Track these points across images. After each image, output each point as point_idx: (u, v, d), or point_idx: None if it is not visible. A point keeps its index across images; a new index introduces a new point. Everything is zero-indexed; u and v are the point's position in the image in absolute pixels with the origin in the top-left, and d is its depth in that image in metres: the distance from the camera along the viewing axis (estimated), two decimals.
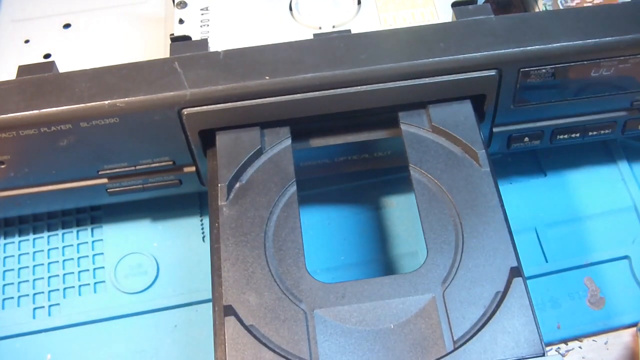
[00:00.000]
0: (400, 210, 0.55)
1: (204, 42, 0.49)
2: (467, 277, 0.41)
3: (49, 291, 0.53)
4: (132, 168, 0.49)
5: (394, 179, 0.57)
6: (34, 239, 0.56)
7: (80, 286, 0.53)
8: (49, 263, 0.54)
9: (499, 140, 0.51)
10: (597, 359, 0.49)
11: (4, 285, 0.53)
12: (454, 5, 0.50)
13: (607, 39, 0.46)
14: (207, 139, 0.47)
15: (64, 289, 0.53)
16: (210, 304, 0.42)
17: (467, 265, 0.41)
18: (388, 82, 0.45)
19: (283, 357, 0.39)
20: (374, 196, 0.56)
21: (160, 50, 0.56)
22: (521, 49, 0.45)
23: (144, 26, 0.58)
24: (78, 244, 0.55)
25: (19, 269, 0.54)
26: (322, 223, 0.55)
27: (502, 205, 0.44)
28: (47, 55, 0.56)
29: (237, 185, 0.45)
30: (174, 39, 0.51)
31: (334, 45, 0.46)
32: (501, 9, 0.60)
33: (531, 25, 0.46)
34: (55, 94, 0.45)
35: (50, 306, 0.52)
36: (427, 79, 0.45)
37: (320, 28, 0.53)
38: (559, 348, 0.50)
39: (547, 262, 0.52)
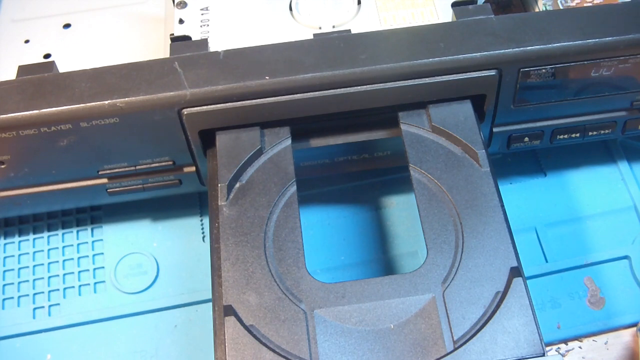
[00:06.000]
0: (400, 210, 0.55)
1: (204, 42, 0.49)
2: (467, 277, 0.41)
3: (49, 291, 0.53)
4: (132, 168, 0.49)
5: (394, 179, 0.57)
6: (34, 239, 0.56)
7: (80, 286, 0.53)
8: (49, 263, 0.54)
9: (499, 140, 0.51)
10: (597, 359, 0.49)
11: (4, 285, 0.53)
12: (454, 5, 0.50)
13: (607, 39, 0.46)
14: (207, 139, 0.47)
15: (64, 289, 0.53)
16: (210, 304, 0.42)
17: (467, 265, 0.41)
18: (388, 82, 0.45)
19: (283, 357, 0.39)
20: (374, 196, 0.56)
21: (160, 50, 0.56)
22: (521, 49, 0.45)
23: (144, 26, 0.58)
24: (78, 244, 0.55)
25: (19, 269, 0.54)
26: (322, 223, 0.55)
27: (502, 205, 0.44)
28: (47, 55, 0.56)
29: (237, 185, 0.45)
30: (174, 39, 0.51)
31: (334, 45, 0.46)
32: (501, 9, 0.60)
33: (531, 25, 0.46)
34: (55, 94, 0.45)
35: (50, 306, 0.52)
36: (427, 79, 0.46)
37: (320, 28, 0.53)
38: (559, 348, 0.50)
39: (547, 262, 0.52)
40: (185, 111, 0.45)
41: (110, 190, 0.50)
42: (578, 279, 0.52)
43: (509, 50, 0.45)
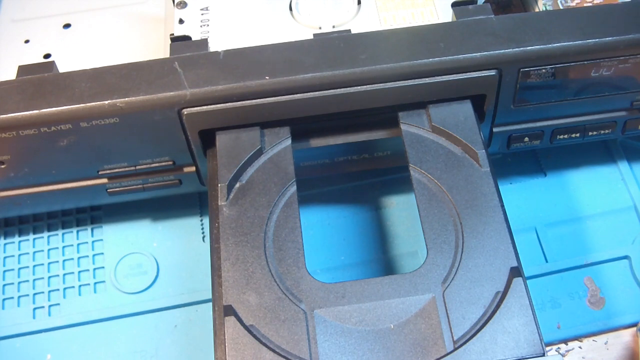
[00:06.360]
0: (400, 210, 0.55)
1: (204, 42, 0.49)
2: (467, 277, 0.41)
3: (49, 291, 0.53)
4: (132, 168, 0.49)
5: (394, 179, 0.57)
6: (34, 239, 0.56)
7: (80, 286, 0.53)
8: (49, 263, 0.54)
9: (499, 140, 0.51)
10: (597, 359, 0.49)
11: (4, 285, 0.53)
12: (454, 5, 0.50)
13: (607, 39, 0.46)
14: (207, 139, 0.47)
15: (64, 289, 0.53)
16: (210, 304, 0.42)
17: (467, 265, 0.41)
18: (388, 82, 0.45)
19: (283, 357, 0.39)
20: (374, 196, 0.56)
21: (160, 50, 0.56)
22: (521, 49, 0.45)
23: (144, 26, 0.58)
24: (78, 244, 0.55)
25: (19, 269, 0.54)
26: (322, 223, 0.55)
27: (502, 205, 0.44)
28: (47, 55, 0.56)
29: (237, 185, 0.45)
30: (174, 39, 0.51)
31: (334, 45, 0.46)
32: (501, 9, 0.60)
33: (531, 25, 0.46)
34: (55, 94, 0.45)
35: (50, 306, 0.52)
36: (427, 79, 0.46)
37: (320, 28, 0.53)
38: (559, 348, 0.50)
39: (547, 262, 0.52)
40: (185, 111, 0.45)
41: (110, 190, 0.50)
42: (578, 279, 0.52)
43: (509, 50, 0.45)
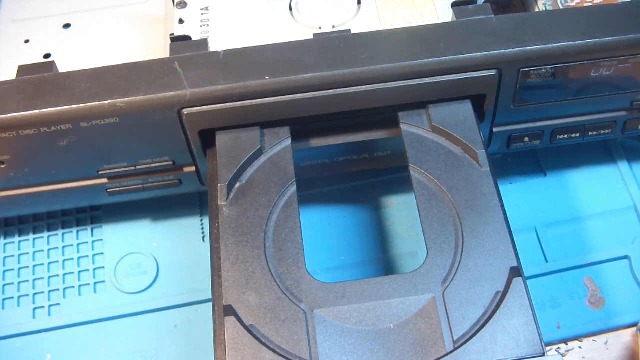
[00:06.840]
0: (400, 210, 0.55)
1: (204, 42, 0.49)
2: (467, 277, 0.41)
3: (49, 291, 0.53)
4: (132, 168, 0.49)
5: (394, 179, 0.57)
6: (34, 239, 0.56)
7: (80, 286, 0.53)
8: (49, 263, 0.54)
9: (499, 140, 0.51)
10: (597, 359, 0.49)
11: (4, 285, 0.53)
12: (454, 5, 0.50)
13: (607, 39, 0.46)
14: (207, 139, 0.47)
15: (64, 289, 0.53)
16: (210, 304, 0.42)
17: (467, 265, 0.41)
18: (388, 82, 0.45)
19: (283, 357, 0.39)
20: (374, 196, 0.56)
21: (160, 50, 0.56)
22: (521, 49, 0.45)
23: (144, 26, 0.58)
24: (78, 244, 0.55)
25: (19, 269, 0.54)
26: (322, 223, 0.55)
27: (502, 205, 0.44)
28: (47, 55, 0.56)
29: (237, 185, 0.45)
30: (174, 39, 0.51)
31: (334, 45, 0.46)
32: (501, 9, 0.60)
33: (531, 25, 0.46)
34: (55, 94, 0.45)
35: (50, 306, 0.52)
36: (427, 79, 0.46)
37: (320, 28, 0.53)
38: (559, 348, 0.50)
39: (547, 262, 0.52)
40: (185, 111, 0.45)
41: (110, 190, 0.50)
42: (578, 279, 0.52)
43: (509, 50, 0.45)
